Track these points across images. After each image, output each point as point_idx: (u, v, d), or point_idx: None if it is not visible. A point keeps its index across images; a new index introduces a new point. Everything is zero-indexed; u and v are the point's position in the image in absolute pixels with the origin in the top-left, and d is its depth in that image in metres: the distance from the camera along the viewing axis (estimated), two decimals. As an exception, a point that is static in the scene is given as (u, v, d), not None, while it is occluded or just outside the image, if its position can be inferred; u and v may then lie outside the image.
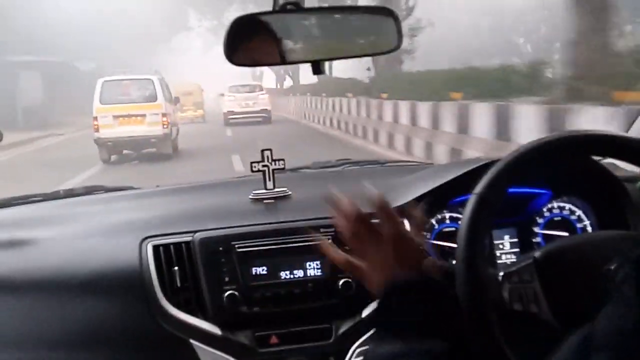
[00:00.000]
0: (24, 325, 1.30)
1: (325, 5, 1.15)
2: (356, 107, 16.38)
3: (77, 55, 29.86)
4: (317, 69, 1.11)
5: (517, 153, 1.15)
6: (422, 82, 13.85)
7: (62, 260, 1.38)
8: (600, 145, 1.18)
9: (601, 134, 1.17)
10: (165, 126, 13.14)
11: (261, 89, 23.24)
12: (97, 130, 12.93)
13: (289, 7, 1.10)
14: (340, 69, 23.56)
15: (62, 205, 1.68)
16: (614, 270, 0.87)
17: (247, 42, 1.11)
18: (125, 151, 13.48)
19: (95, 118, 12.98)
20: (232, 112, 21.71)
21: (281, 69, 35.63)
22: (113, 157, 13.34)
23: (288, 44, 1.13)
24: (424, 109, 11.46)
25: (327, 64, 1.22)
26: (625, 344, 0.72)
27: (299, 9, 1.10)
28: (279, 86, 41.03)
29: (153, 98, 13.29)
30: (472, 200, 1.15)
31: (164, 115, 13.21)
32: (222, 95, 22.88)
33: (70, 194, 1.76)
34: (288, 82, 38.92)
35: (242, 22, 1.10)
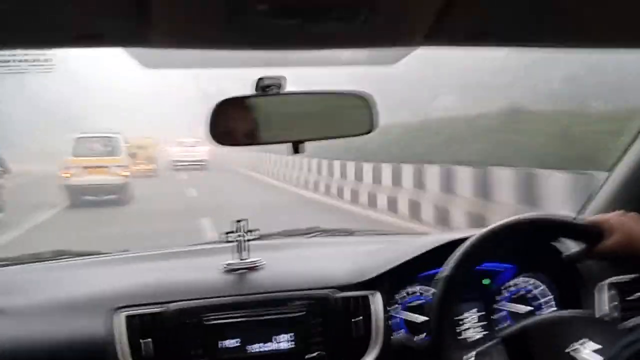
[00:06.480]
0: None
1: (304, 90, 1.20)
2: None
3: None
4: (297, 148, 1.16)
5: (481, 235, 1.22)
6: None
7: (27, 332, 1.33)
8: (549, 228, 1.29)
9: (548, 218, 1.28)
10: (125, 176, 15.32)
11: (201, 144, 28.52)
12: (68, 178, 14.97)
13: (269, 90, 1.15)
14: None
15: (28, 271, 1.61)
16: None
17: (230, 123, 1.15)
18: (86, 197, 15.11)
19: (68, 168, 15.09)
20: (178, 161, 28.23)
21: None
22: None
23: (269, 125, 1.18)
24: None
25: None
26: None
27: (279, 92, 1.15)
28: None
29: (116, 152, 15.72)
30: (440, 282, 1.20)
31: (124, 167, 15.52)
32: (172, 148, 29.68)
33: (36, 258, 1.69)
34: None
35: (225, 105, 1.14)
